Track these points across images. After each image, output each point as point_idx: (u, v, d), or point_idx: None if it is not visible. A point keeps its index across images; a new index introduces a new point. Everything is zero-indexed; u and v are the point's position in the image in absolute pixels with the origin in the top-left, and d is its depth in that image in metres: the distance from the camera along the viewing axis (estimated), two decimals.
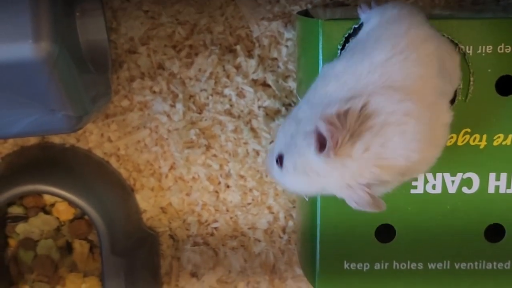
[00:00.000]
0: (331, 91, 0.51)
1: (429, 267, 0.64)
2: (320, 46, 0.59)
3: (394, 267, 0.64)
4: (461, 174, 0.62)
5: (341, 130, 0.47)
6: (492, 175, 0.62)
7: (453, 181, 0.62)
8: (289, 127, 0.53)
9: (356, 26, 0.58)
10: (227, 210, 0.78)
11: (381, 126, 0.48)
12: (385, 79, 0.50)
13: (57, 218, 0.75)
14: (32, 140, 0.76)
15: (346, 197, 0.50)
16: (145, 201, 0.78)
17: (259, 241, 0.79)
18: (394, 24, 0.52)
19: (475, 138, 0.61)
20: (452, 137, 0.60)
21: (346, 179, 0.49)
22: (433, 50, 0.51)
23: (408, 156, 0.49)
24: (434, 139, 0.51)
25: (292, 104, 0.74)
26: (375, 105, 0.48)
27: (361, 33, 0.55)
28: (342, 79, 0.51)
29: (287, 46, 0.73)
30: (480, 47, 0.58)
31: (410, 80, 0.50)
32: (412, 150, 0.49)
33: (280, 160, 0.53)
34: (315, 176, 0.50)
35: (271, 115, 0.74)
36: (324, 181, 0.50)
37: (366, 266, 0.65)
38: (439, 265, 0.64)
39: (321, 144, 0.48)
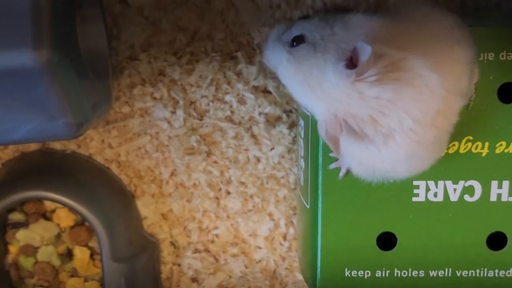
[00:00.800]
0: (375, 27, 0.51)
1: (431, 275, 0.64)
2: None
3: (395, 274, 0.64)
4: (463, 182, 0.62)
5: (373, 66, 0.48)
6: (494, 183, 0.62)
7: (455, 189, 0.62)
8: (324, 29, 0.53)
9: None
10: (228, 217, 0.78)
11: (404, 83, 0.49)
12: (426, 46, 0.50)
13: (58, 224, 0.75)
14: (33, 146, 0.76)
15: (323, 121, 0.51)
16: (145, 208, 0.78)
17: (260, 248, 0.79)
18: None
19: (477, 146, 0.61)
20: (454, 145, 0.60)
21: (339, 108, 0.50)
22: (469, 36, 0.53)
23: (402, 121, 0.50)
24: (431, 126, 0.52)
25: (293, 111, 0.74)
26: (410, 62, 0.49)
27: None
28: (391, 23, 0.52)
29: None
30: (482, 54, 0.58)
31: (443, 55, 0.51)
32: (410, 117, 0.50)
33: (298, 40, 0.53)
34: (316, 84, 0.51)
35: (272, 121, 0.74)
36: (319, 94, 0.51)
37: (368, 273, 0.64)
38: (441, 273, 0.64)
39: (350, 64, 0.49)
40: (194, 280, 0.81)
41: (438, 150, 0.56)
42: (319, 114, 0.52)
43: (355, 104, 0.49)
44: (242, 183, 0.76)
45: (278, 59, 0.55)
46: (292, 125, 0.74)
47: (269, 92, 0.74)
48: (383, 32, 0.51)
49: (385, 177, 0.57)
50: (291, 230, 0.78)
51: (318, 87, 0.51)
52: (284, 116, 0.74)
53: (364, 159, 0.56)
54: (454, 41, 0.52)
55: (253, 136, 0.75)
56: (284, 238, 0.78)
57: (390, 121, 0.50)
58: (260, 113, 0.74)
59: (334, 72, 0.50)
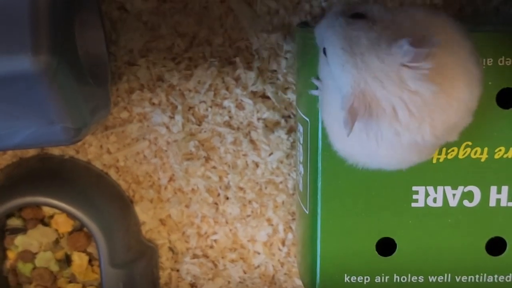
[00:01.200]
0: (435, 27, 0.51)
1: (430, 280, 0.64)
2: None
3: (395, 280, 0.64)
4: (462, 187, 0.62)
5: (430, 61, 0.48)
6: (494, 188, 0.62)
7: (454, 195, 0.62)
8: (386, 16, 0.52)
9: None
10: (227, 222, 0.78)
11: (442, 90, 0.49)
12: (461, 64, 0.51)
13: (56, 230, 0.75)
14: (31, 152, 0.76)
15: (351, 93, 0.49)
16: (144, 213, 0.77)
17: (259, 253, 0.78)
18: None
19: (476, 151, 0.61)
20: (453, 150, 0.60)
21: (369, 86, 0.49)
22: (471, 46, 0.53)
23: (422, 125, 0.49)
24: (437, 138, 0.51)
25: (292, 116, 0.74)
26: (452, 71, 0.50)
27: None
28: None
29: (286, 58, 0.73)
30: (480, 60, 0.58)
31: (473, 75, 0.52)
32: (430, 125, 0.49)
33: (357, 17, 0.52)
34: (359, 53, 0.49)
35: (271, 127, 0.74)
36: (357, 64, 0.49)
37: (367, 279, 0.64)
38: (440, 279, 0.64)
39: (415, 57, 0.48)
40: (192, 285, 0.80)
41: (424, 158, 0.56)
42: (346, 85, 0.50)
43: (387, 89, 0.48)
44: (241, 189, 0.76)
45: (331, 24, 0.52)
46: (291, 130, 0.74)
47: (268, 98, 0.74)
48: (440, 34, 0.50)
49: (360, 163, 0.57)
50: (290, 236, 0.78)
51: (360, 56, 0.49)
52: (282, 121, 0.74)
53: (353, 145, 0.55)
54: (476, 63, 0.53)
55: (251, 141, 0.75)
56: (283, 243, 0.78)
57: (411, 122, 0.49)
58: (258, 119, 0.74)
59: (388, 46, 0.48)
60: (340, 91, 0.51)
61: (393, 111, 0.49)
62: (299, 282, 0.79)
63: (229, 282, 0.80)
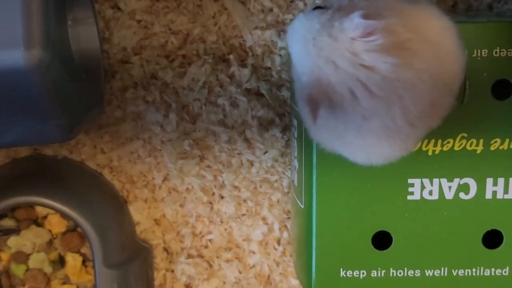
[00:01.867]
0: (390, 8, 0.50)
1: (426, 274, 0.64)
2: None
3: (391, 274, 0.64)
4: (458, 179, 0.62)
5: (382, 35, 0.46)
6: (490, 180, 0.61)
7: (450, 187, 0.62)
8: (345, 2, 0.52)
9: None
10: (221, 221, 0.77)
11: (406, 62, 0.47)
12: (430, 37, 0.49)
13: (49, 230, 0.74)
14: (24, 152, 0.76)
15: (307, 83, 0.48)
16: (138, 213, 0.77)
17: (254, 253, 0.78)
18: None
19: (471, 143, 0.60)
20: (448, 142, 0.60)
21: (323, 72, 0.47)
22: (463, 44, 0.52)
23: (391, 106, 0.47)
24: (411, 124, 0.50)
25: (286, 114, 0.74)
26: (415, 44, 0.48)
27: None
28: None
29: (280, 55, 0.72)
30: (475, 51, 0.58)
31: (445, 51, 0.50)
32: (399, 105, 0.48)
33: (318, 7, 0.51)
34: (311, 38, 0.48)
35: (265, 125, 0.74)
36: (310, 50, 0.48)
37: (363, 273, 0.64)
38: (437, 272, 0.64)
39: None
40: (187, 286, 0.80)
41: (405, 150, 0.54)
42: (304, 75, 0.49)
43: (341, 71, 0.47)
44: (236, 187, 0.76)
45: (292, 24, 0.53)
46: (285, 129, 0.74)
47: (262, 95, 0.73)
48: (398, 13, 0.48)
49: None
50: (285, 234, 0.77)
51: (313, 41, 0.48)
52: (277, 119, 0.74)
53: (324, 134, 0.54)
54: (454, 41, 0.51)
55: (246, 140, 0.75)
56: (278, 242, 0.78)
57: (375, 103, 0.47)
58: (253, 117, 0.74)
59: (340, 23, 0.47)
60: (300, 82, 0.51)
61: (351, 94, 0.47)
62: (294, 281, 0.79)
63: (224, 283, 0.80)
